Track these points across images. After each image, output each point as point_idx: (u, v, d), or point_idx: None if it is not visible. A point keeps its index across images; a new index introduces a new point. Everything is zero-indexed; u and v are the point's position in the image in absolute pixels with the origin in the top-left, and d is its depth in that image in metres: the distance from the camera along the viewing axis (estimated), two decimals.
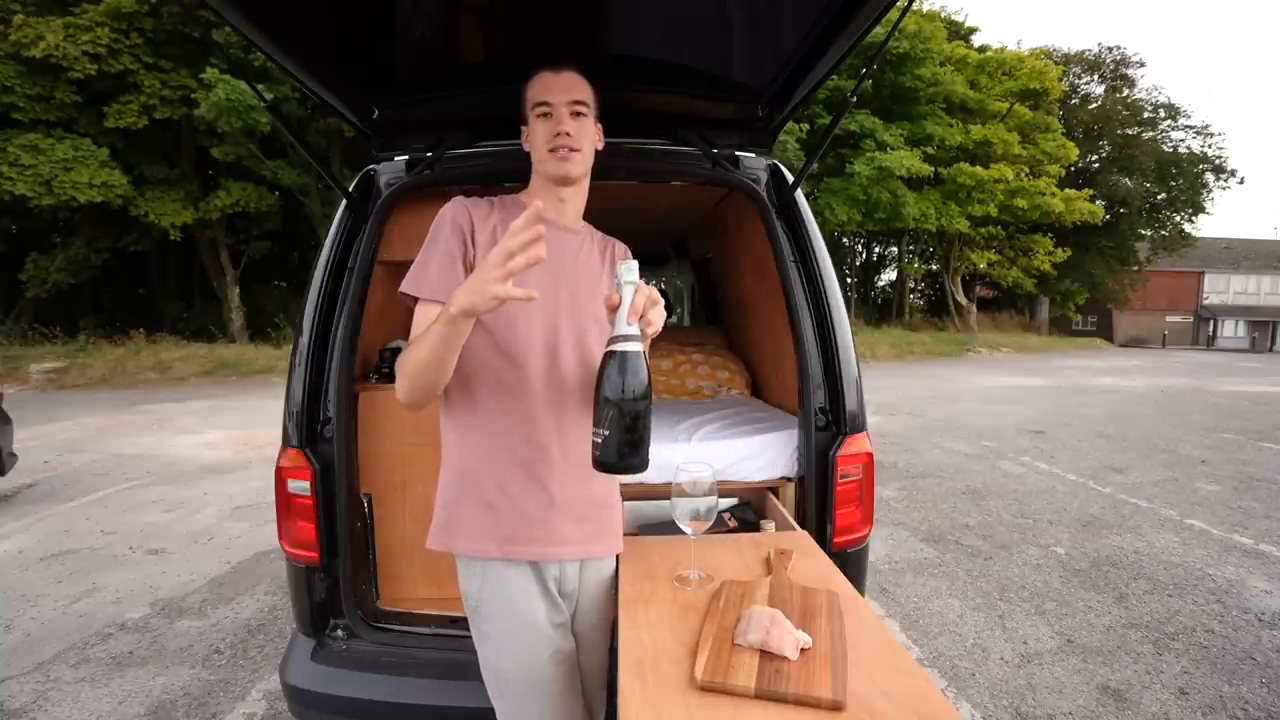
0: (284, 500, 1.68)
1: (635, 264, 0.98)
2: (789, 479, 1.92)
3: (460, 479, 1.18)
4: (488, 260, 0.91)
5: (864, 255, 31.42)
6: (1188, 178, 28.62)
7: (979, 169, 21.22)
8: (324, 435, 1.70)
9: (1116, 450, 6.76)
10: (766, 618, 0.94)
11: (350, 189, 1.82)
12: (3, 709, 2.31)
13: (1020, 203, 21.50)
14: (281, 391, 1.78)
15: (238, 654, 2.69)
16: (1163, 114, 29.15)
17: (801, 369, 1.75)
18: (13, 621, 2.97)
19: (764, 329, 2.76)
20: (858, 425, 1.72)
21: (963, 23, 26.63)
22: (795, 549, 1.30)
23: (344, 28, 1.38)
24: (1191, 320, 39.22)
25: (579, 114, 1.17)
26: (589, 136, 1.20)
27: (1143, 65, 41.79)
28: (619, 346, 0.97)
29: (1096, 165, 29.31)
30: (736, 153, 1.86)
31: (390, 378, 2.02)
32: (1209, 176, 28.65)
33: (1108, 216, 27.42)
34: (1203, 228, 39.68)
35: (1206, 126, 34.68)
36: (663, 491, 1.85)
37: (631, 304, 0.96)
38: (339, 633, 1.74)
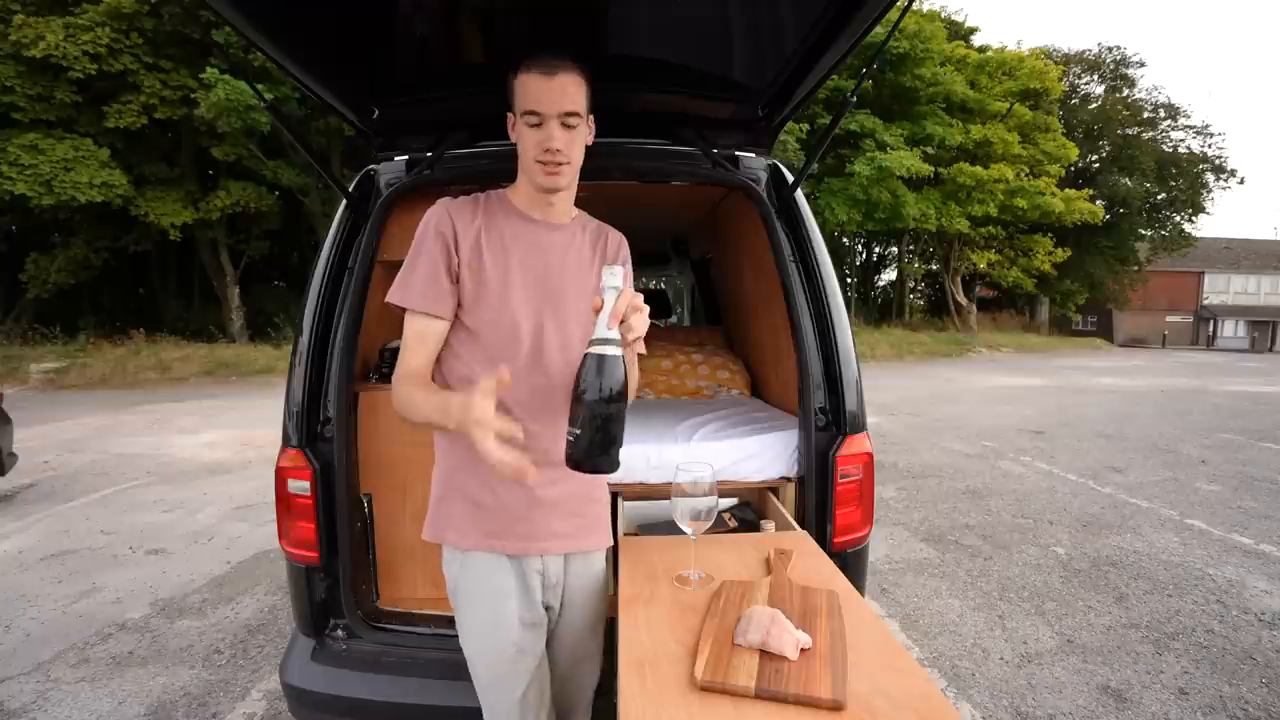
0: (284, 500, 1.68)
1: (620, 269, 1.00)
2: (789, 479, 1.91)
3: (449, 477, 1.22)
4: (481, 420, 0.95)
5: (864, 255, 31.42)
6: (1188, 178, 28.65)
7: (979, 169, 21.24)
8: (324, 435, 1.70)
9: (1116, 450, 6.76)
10: (766, 618, 0.94)
11: (350, 189, 1.82)
12: (3, 709, 2.31)
13: (1020, 203, 21.52)
14: (281, 391, 1.78)
15: (238, 654, 2.69)
16: (1163, 114, 29.21)
17: (801, 369, 1.75)
18: (13, 621, 2.97)
19: (764, 329, 2.76)
20: (858, 425, 1.72)
21: (963, 23, 26.64)
22: (795, 549, 1.30)
23: (344, 28, 1.38)
24: (1191, 320, 39.22)
25: (570, 125, 1.12)
26: (580, 144, 1.16)
27: (1143, 65, 41.83)
28: (596, 349, 0.99)
29: (1096, 165, 29.33)
30: (736, 153, 1.86)
31: (390, 378, 2.01)
32: (1209, 176, 28.71)
33: (1108, 216, 27.45)
34: (1203, 228, 39.72)
35: (1206, 126, 34.73)
36: (663, 491, 1.86)
37: (613, 309, 0.99)
38: (339, 633, 1.73)
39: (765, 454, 1.94)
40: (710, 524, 1.17)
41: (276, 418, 1.85)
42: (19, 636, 2.84)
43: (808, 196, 5.09)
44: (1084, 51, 30.40)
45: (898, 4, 1.25)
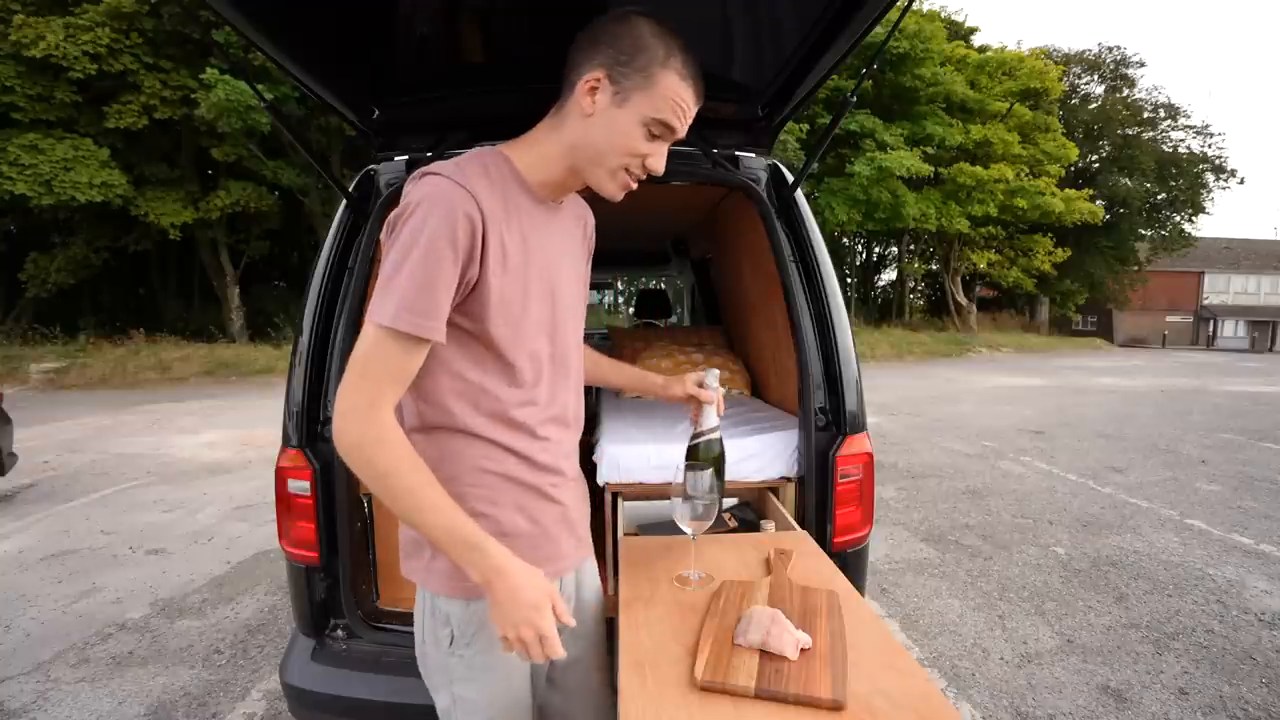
0: (284, 500, 1.68)
1: (718, 373, 1.27)
2: (789, 479, 1.91)
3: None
4: (539, 605, 0.86)
5: (864, 255, 31.42)
6: (1188, 178, 28.68)
7: (979, 169, 21.24)
8: (324, 435, 1.69)
9: (1116, 450, 6.77)
10: (766, 618, 0.94)
11: (350, 189, 1.82)
12: (3, 709, 2.31)
13: (1020, 203, 21.52)
14: (281, 391, 1.78)
15: (238, 654, 2.69)
16: (1163, 114, 29.23)
17: (801, 369, 1.75)
18: (13, 621, 2.97)
19: (764, 329, 2.76)
20: (858, 425, 1.72)
21: (963, 23, 26.65)
22: (795, 549, 1.30)
23: (344, 28, 1.38)
24: (1191, 320, 39.23)
25: None
26: None
27: (1143, 65, 41.88)
28: (719, 434, 1.26)
29: (1096, 165, 29.35)
30: (736, 153, 1.86)
31: None
32: (1209, 176, 28.74)
33: (1108, 216, 27.46)
34: (1203, 228, 39.87)
35: (1206, 126, 34.80)
36: (663, 491, 1.86)
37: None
38: (339, 633, 1.73)
39: (765, 454, 1.93)
40: (710, 524, 1.17)
41: (276, 418, 1.85)
42: (19, 636, 2.84)
43: (808, 196, 5.10)
44: (1084, 51, 30.45)
45: (898, 4, 1.25)
